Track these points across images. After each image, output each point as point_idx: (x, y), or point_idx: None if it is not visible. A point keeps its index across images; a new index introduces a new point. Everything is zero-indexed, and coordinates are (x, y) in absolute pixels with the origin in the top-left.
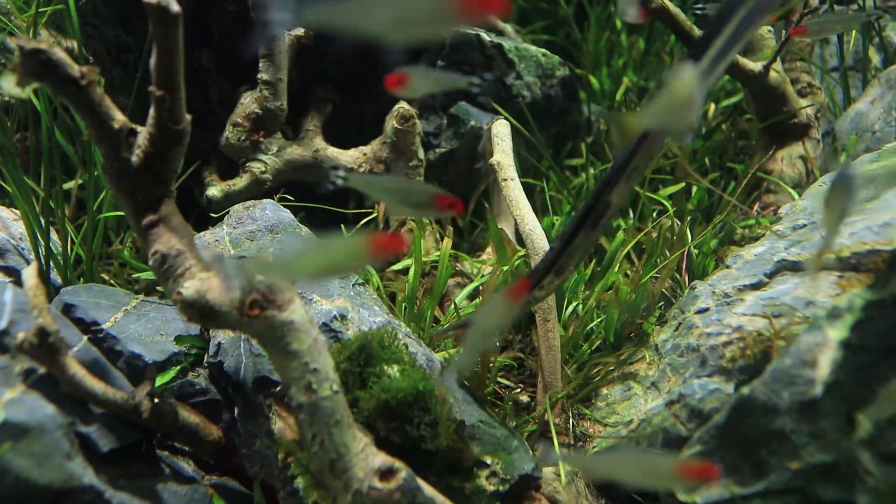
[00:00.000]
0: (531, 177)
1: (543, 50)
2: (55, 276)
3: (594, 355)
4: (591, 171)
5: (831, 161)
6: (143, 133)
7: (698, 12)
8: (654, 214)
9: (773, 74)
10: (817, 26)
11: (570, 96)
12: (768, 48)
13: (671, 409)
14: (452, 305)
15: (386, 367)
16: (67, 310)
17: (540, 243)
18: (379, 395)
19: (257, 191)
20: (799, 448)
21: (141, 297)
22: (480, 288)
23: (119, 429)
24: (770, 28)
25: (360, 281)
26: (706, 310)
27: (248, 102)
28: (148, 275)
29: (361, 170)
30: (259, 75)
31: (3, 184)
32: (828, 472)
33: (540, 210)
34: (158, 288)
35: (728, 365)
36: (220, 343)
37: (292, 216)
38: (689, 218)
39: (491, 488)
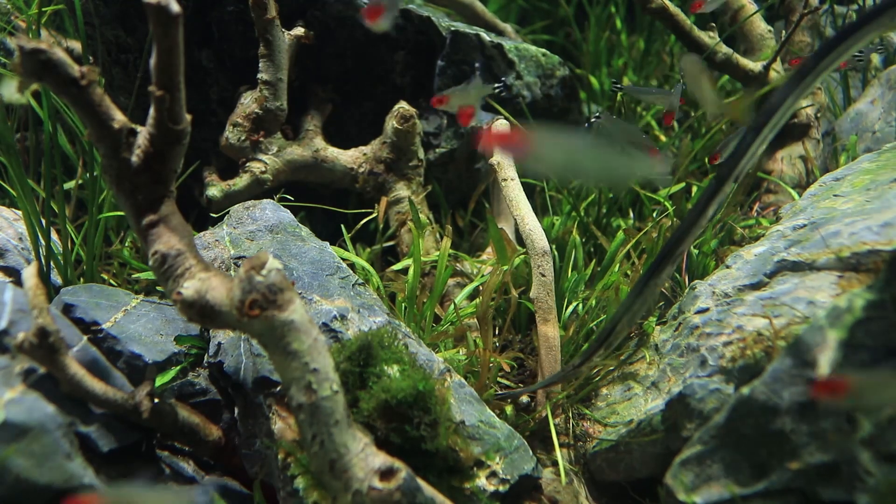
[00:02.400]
0: (531, 177)
1: (543, 50)
2: (55, 276)
3: None
4: None
5: (831, 161)
6: (143, 133)
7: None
8: (654, 214)
9: (773, 74)
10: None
11: (570, 96)
12: (768, 48)
13: (671, 409)
14: (452, 305)
15: (386, 367)
16: (67, 310)
17: (540, 243)
18: (379, 395)
19: (257, 191)
20: (799, 448)
21: (141, 297)
22: (480, 288)
23: (119, 429)
24: (770, 28)
25: (360, 281)
26: (706, 310)
27: (248, 102)
28: (148, 275)
29: (361, 170)
30: (259, 75)
31: (3, 184)
32: (828, 472)
33: (540, 210)
34: (158, 288)
35: (728, 365)
36: (220, 343)
37: (292, 216)
38: None
39: (491, 488)
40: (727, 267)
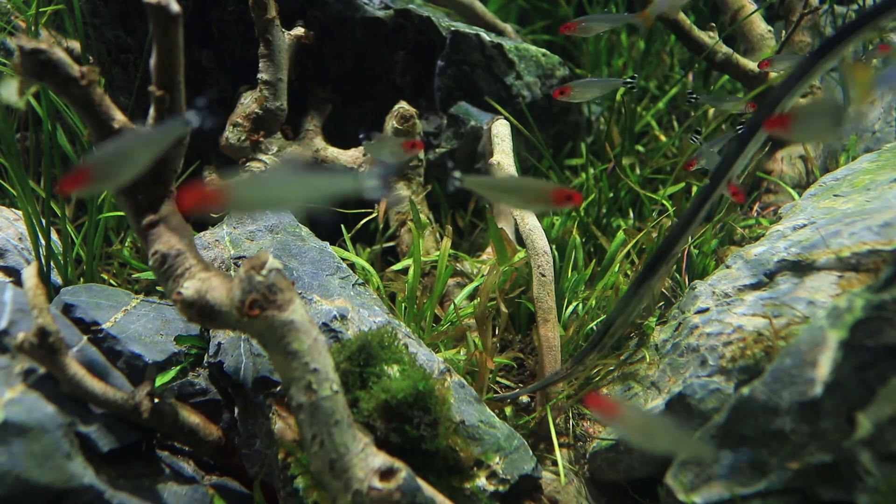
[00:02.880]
0: (531, 177)
1: (543, 50)
2: (55, 276)
3: None
4: (591, 170)
5: (831, 161)
6: None
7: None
8: (654, 214)
9: (773, 74)
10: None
11: None
12: (768, 48)
13: (671, 409)
14: (452, 305)
15: (386, 367)
16: (67, 310)
17: (540, 243)
18: (379, 395)
19: None
20: (799, 448)
21: (141, 297)
22: (480, 288)
23: (119, 429)
24: (770, 28)
25: (360, 281)
26: (706, 310)
27: (248, 102)
28: (148, 275)
29: (361, 170)
30: (259, 75)
31: (3, 183)
32: (828, 472)
33: None
34: (158, 288)
35: (728, 365)
36: (220, 343)
37: (292, 216)
38: None
39: (491, 488)
40: (727, 267)
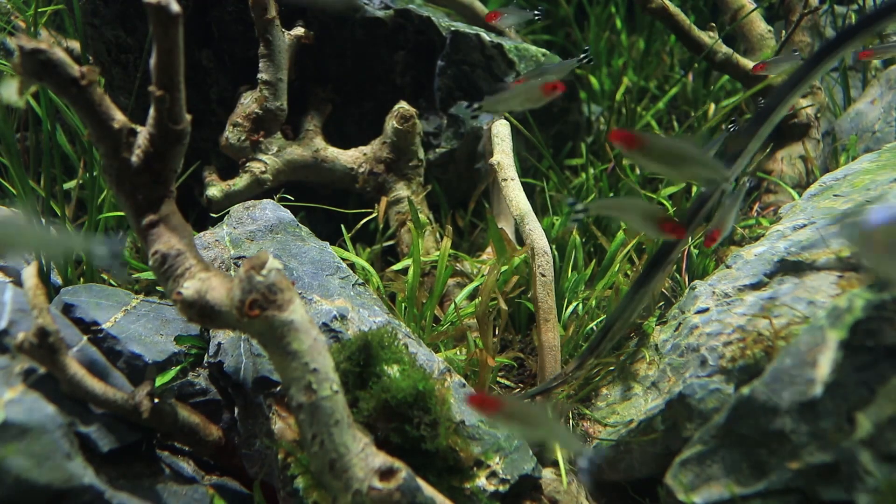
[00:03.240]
0: (531, 177)
1: (543, 50)
2: (55, 276)
3: None
4: (591, 170)
5: (831, 161)
6: (143, 133)
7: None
8: None
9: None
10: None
11: (570, 96)
12: (768, 48)
13: (671, 409)
14: (452, 305)
15: (386, 367)
16: (67, 310)
17: (540, 243)
18: (379, 395)
19: (257, 191)
20: (799, 448)
21: (141, 297)
22: (480, 287)
23: (119, 429)
24: (770, 28)
25: (360, 281)
26: (706, 310)
27: (248, 102)
28: (148, 275)
29: (361, 170)
30: (259, 75)
31: (3, 182)
32: (828, 472)
33: (540, 210)
34: (158, 288)
35: (728, 365)
36: (220, 343)
37: (292, 216)
38: None
39: (491, 488)
40: (727, 267)
